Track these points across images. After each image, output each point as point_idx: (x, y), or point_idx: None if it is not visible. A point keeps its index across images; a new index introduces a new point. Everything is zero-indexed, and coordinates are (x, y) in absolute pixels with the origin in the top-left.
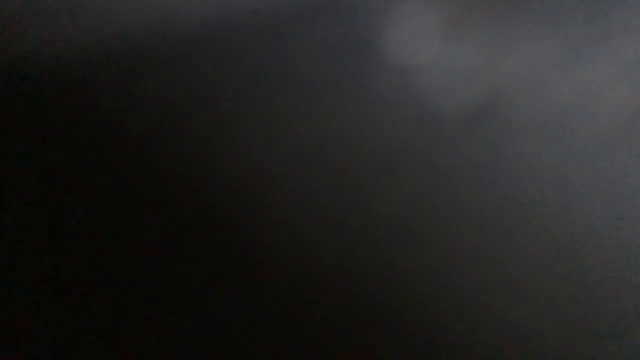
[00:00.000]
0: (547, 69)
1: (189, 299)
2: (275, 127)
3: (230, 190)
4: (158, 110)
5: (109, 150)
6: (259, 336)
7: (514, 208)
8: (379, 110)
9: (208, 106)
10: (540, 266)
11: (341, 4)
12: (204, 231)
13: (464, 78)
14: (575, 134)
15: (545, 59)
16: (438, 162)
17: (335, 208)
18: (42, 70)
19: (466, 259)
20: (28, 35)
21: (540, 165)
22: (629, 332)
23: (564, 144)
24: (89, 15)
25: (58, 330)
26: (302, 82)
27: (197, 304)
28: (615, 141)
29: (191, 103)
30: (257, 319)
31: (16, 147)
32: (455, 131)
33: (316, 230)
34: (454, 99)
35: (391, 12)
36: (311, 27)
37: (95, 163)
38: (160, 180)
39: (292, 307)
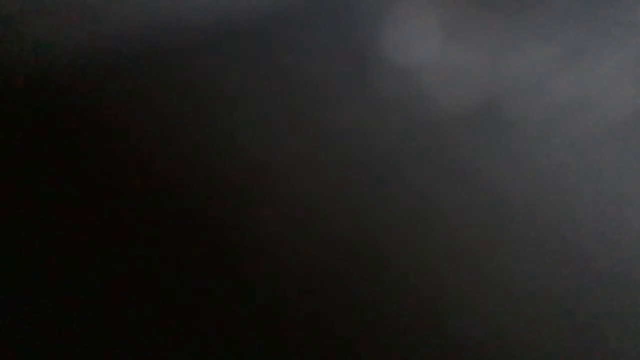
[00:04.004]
0: (547, 68)
1: (187, 298)
2: (275, 127)
3: (230, 190)
4: (158, 110)
5: (109, 150)
6: (257, 335)
7: (514, 207)
8: (379, 111)
9: (207, 106)
10: (540, 266)
11: (341, 4)
12: (203, 230)
13: (464, 78)
14: (576, 134)
15: (545, 59)
16: (438, 162)
17: (334, 208)
18: (42, 70)
19: (466, 258)
20: (28, 35)
21: (540, 164)
22: (630, 332)
23: (565, 144)
24: (89, 15)
25: (57, 329)
26: (302, 82)
27: (196, 303)
28: (616, 140)
29: (191, 103)
30: (256, 318)
31: (16, 147)
32: (455, 131)
33: (315, 230)
34: (454, 99)
35: (391, 12)
36: (311, 28)
37: (95, 163)
38: (160, 179)
39: (290, 307)
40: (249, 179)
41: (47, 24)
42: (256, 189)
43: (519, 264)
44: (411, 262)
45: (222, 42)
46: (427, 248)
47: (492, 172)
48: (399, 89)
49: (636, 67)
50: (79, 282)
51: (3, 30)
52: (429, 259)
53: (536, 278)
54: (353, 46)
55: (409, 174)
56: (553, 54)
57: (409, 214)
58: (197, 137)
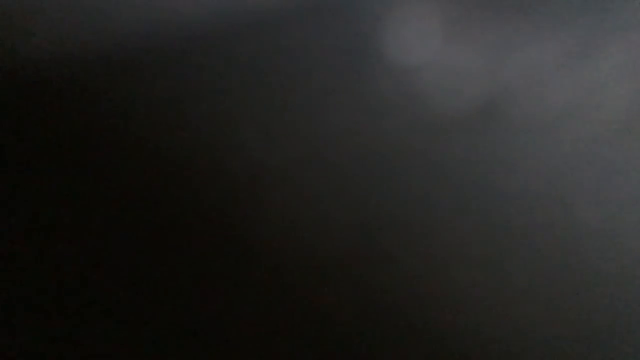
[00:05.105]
0: (548, 69)
1: (187, 298)
2: (275, 127)
3: (229, 190)
4: (157, 110)
5: (108, 149)
6: (257, 336)
7: (514, 208)
8: (379, 110)
9: (207, 106)
10: (540, 265)
11: (341, 4)
12: (203, 231)
13: (464, 78)
14: (576, 134)
15: (546, 59)
16: (438, 162)
17: (335, 208)
18: (42, 70)
19: (466, 258)
20: (28, 35)
21: (540, 165)
22: (630, 332)
23: (565, 144)
24: (88, 15)
25: (53, 328)
26: (301, 81)
27: (196, 303)
28: (617, 140)
29: (190, 103)
30: (256, 318)
31: (16, 147)
32: (455, 131)
33: (316, 229)
34: (454, 99)
35: (391, 11)
36: (311, 27)
37: (95, 163)
38: (159, 179)
39: (291, 307)
40: (249, 178)
41: (47, 24)
42: (256, 189)
43: (519, 264)
44: (412, 261)
45: (221, 41)
46: (428, 248)
47: (492, 172)
48: (398, 89)
49: (636, 67)
50: (77, 281)
51: (3, 30)
52: (429, 259)
53: (536, 278)
54: (353, 46)
55: (409, 174)
56: (553, 54)
57: (409, 213)
58: (196, 137)
